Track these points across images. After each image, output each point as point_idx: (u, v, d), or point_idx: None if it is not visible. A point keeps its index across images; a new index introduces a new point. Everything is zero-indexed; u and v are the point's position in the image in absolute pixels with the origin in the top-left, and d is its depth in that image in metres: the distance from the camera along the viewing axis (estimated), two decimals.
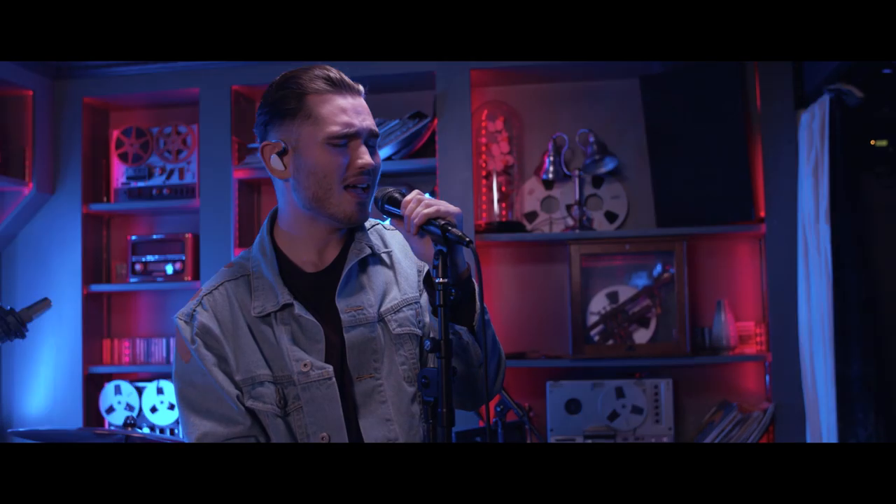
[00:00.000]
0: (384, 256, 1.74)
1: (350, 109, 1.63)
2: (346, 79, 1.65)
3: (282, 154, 1.64)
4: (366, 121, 1.65)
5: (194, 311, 1.66)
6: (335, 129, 1.61)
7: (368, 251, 1.70)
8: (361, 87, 1.68)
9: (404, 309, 1.70)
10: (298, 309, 1.64)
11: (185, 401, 1.64)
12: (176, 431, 3.57)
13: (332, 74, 1.64)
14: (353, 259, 1.68)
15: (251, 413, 1.63)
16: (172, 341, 3.73)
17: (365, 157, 1.63)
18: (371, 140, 1.66)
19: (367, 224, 1.76)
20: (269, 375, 1.63)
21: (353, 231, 1.73)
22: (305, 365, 1.62)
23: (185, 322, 1.65)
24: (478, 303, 1.61)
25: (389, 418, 1.65)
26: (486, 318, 1.61)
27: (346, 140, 1.62)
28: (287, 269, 1.68)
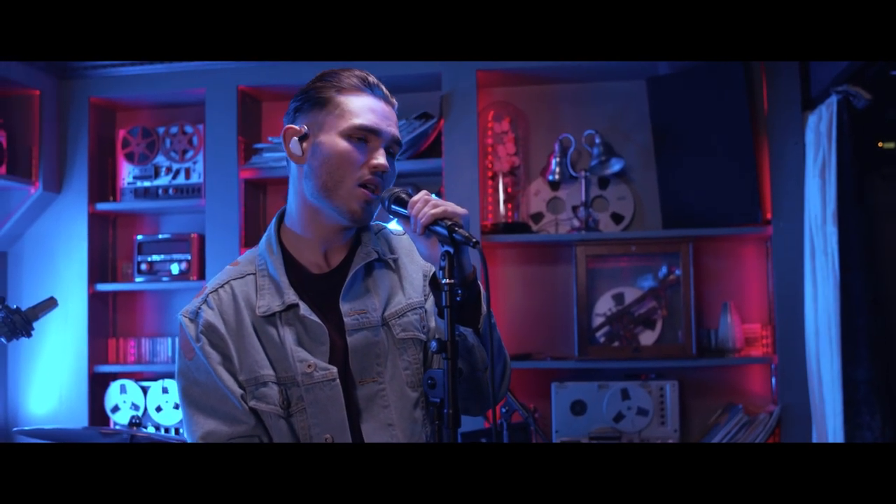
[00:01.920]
0: (390, 261, 1.73)
1: (378, 111, 1.66)
2: (383, 87, 1.69)
3: (302, 139, 1.66)
4: (391, 127, 1.67)
5: (199, 308, 1.65)
6: (358, 121, 1.63)
7: (375, 255, 1.70)
8: (395, 101, 1.72)
9: (408, 314, 1.70)
10: (304, 310, 1.64)
11: (189, 399, 1.64)
12: (181, 431, 3.58)
13: (369, 78, 1.68)
14: (358, 262, 1.68)
15: (255, 412, 1.63)
16: (178, 341, 3.73)
17: (381, 159, 1.64)
18: (393, 148, 1.68)
19: (374, 228, 1.76)
20: (272, 376, 1.62)
21: (359, 235, 1.73)
22: (309, 366, 1.62)
23: (190, 320, 1.65)
24: (483, 305, 1.61)
25: (391, 423, 1.64)
26: (492, 322, 1.61)
27: (367, 137, 1.64)
28: (293, 270, 1.68)
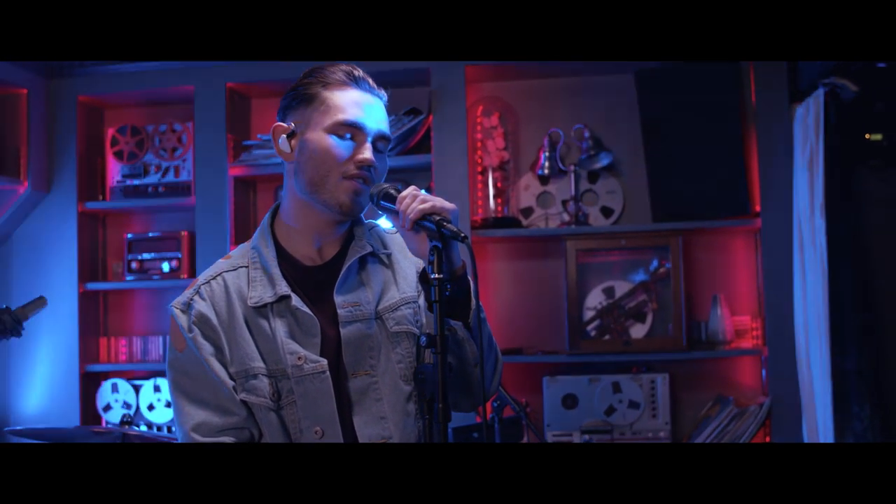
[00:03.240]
0: (384, 257, 1.74)
1: (364, 105, 1.66)
2: (370, 81, 1.69)
3: (290, 136, 1.67)
4: (377, 122, 1.67)
5: (191, 300, 1.66)
6: (342, 116, 1.63)
7: (369, 249, 1.71)
8: (384, 94, 1.71)
9: (402, 307, 1.70)
10: (296, 301, 1.64)
11: (179, 390, 1.64)
12: (173, 429, 3.57)
13: (356, 72, 1.68)
14: (353, 255, 1.69)
15: (246, 404, 1.63)
16: (169, 339, 3.73)
17: (366, 153, 1.64)
18: (380, 143, 1.68)
19: (368, 226, 1.77)
20: (263, 368, 1.63)
21: (352, 230, 1.73)
22: (300, 358, 1.62)
23: (182, 311, 1.65)
24: (473, 300, 1.61)
25: (384, 416, 1.64)
26: (481, 317, 1.61)
27: (352, 132, 1.64)
28: (286, 262, 1.69)
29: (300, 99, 1.67)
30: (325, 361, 1.63)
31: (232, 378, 1.63)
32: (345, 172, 1.63)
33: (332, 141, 1.63)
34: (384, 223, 1.81)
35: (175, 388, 1.65)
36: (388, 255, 1.75)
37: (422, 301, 1.73)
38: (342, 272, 1.67)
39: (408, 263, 1.76)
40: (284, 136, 1.68)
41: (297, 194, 1.68)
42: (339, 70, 1.67)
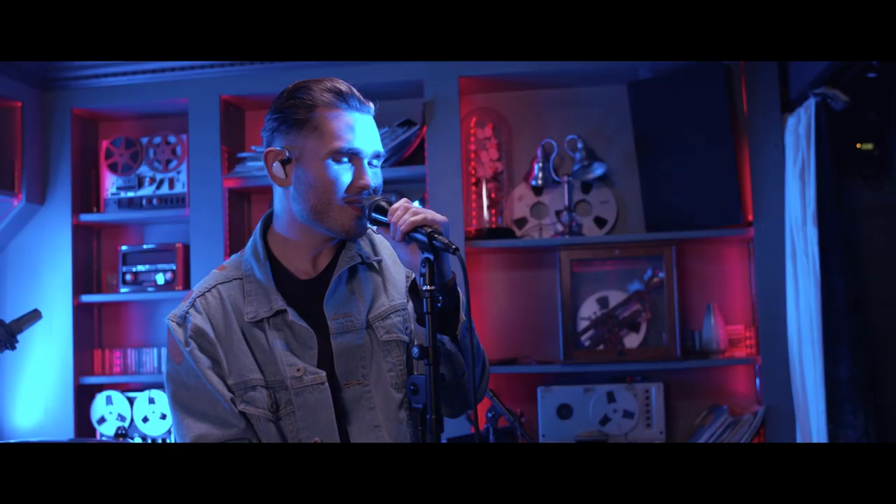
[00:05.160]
0: (374, 264, 1.75)
1: (357, 128, 1.64)
2: (357, 95, 1.67)
3: (284, 162, 1.66)
4: (371, 141, 1.66)
5: (187, 313, 1.66)
6: (339, 144, 1.62)
7: (358, 259, 1.72)
8: (372, 105, 1.69)
9: (392, 315, 1.72)
10: (292, 315, 1.65)
11: (178, 403, 1.64)
12: (168, 441, 3.57)
13: (343, 89, 1.65)
14: (342, 267, 1.70)
15: (244, 416, 1.64)
16: (164, 351, 3.72)
17: (365, 178, 1.64)
18: (375, 160, 1.68)
19: None
20: (261, 380, 1.64)
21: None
22: (299, 370, 1.63)
23: (178, 324, 1.65)
24: (462, 313, 1.62)
25: (378, 424, 1.66)
26: (471, 328, 1.62)
27: (350, 158, 1.63)
28: (280, 275, 1.69)
29: (290, 123, 1.64)
30: (324, 373, 1.64)
31: (230, 390, 1.63)
32: (346, 198, 1.63)
33: (331, 169, 1.62)
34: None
35: (174, 400, 1.65)
36: (379, 262, 1.76)
37: (411, 308, 1.73)
38: (331, 284, 1.68)
39: (398, 269, 1.77)
40: (278, 162, 1.66)
41: (297, 218, 1.67)
42: (326, 90, 1.64)
